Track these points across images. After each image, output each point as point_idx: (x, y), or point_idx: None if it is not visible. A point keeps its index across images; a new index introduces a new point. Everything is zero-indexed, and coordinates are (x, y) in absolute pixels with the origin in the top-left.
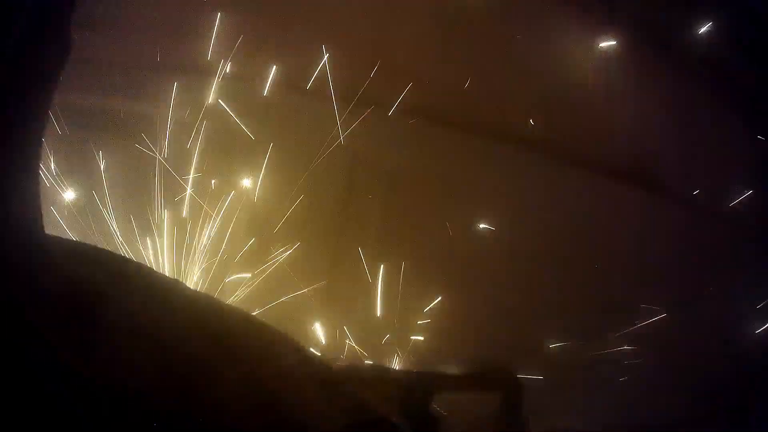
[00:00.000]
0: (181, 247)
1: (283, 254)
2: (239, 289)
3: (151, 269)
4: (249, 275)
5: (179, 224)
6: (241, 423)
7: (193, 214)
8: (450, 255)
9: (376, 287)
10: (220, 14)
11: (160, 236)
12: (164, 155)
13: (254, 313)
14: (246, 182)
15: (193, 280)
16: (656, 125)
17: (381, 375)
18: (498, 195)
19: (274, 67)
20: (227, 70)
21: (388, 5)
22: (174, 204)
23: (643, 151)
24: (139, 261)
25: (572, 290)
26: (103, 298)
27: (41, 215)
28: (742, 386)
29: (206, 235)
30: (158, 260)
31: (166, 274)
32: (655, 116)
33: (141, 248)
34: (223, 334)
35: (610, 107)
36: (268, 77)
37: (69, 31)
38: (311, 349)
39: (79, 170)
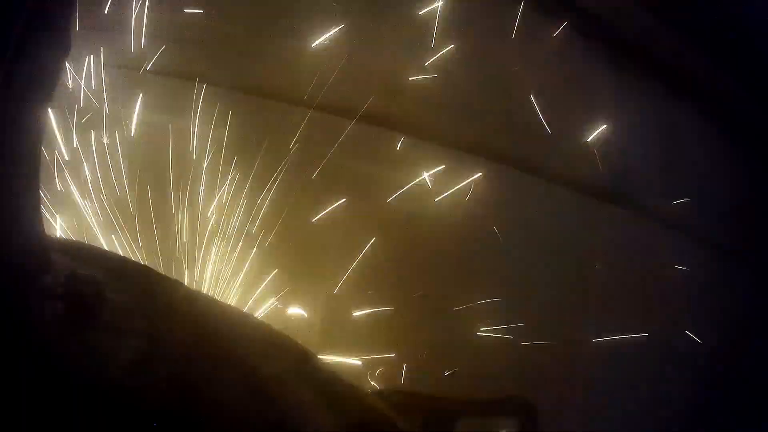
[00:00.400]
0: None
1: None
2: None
3: (151, 269)
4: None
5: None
6: (240, 423)
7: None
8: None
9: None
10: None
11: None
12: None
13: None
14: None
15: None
16: (634, 141)
17: (406, 400)
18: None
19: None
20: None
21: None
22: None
23: (622, 168)
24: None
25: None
26: (102, 298)
27: (41, 214)
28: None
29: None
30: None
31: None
32: (634, 132)
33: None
34: (223, 334)
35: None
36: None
37: (69, 32)
38: (312, 351)
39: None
